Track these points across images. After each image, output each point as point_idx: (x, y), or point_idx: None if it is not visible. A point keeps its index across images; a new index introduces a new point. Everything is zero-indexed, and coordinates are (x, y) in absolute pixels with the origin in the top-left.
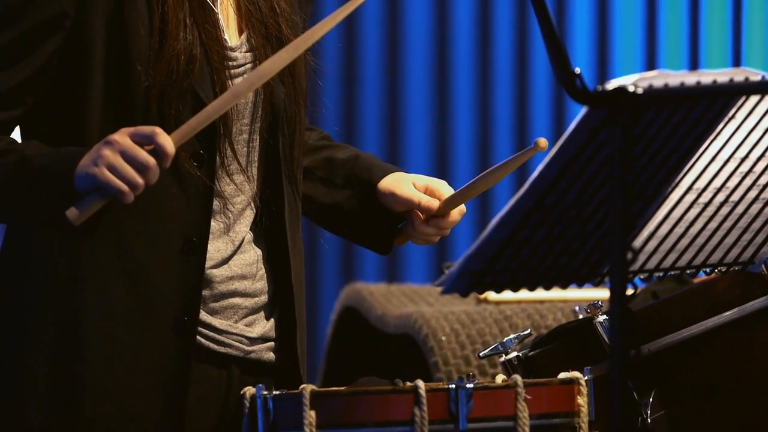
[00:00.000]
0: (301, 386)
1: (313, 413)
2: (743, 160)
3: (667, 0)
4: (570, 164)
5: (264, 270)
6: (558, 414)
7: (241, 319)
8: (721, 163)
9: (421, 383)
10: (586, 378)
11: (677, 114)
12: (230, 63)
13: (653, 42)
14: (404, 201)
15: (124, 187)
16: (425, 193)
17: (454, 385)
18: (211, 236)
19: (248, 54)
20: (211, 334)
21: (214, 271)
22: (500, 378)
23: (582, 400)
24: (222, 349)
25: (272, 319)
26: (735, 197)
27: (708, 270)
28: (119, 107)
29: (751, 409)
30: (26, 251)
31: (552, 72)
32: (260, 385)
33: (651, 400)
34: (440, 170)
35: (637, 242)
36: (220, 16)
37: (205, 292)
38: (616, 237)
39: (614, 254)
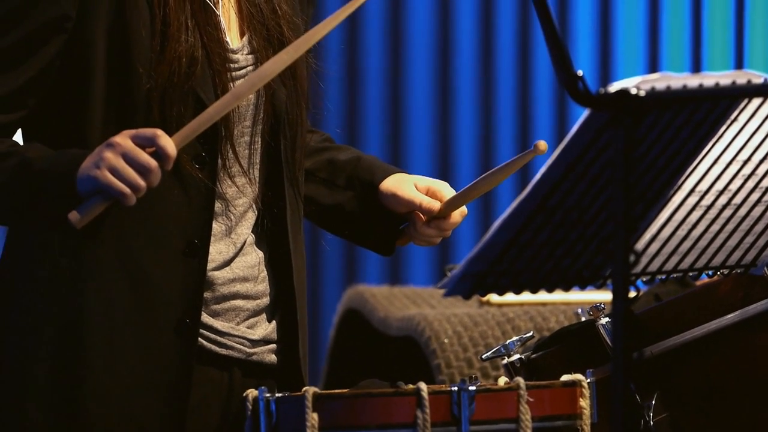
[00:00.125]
0: (304, 389)
1: (315, 416)
2: (746, 162)
3: (669, 2)
4: (572, 167)
5: (266, 272)
6: (560, 416)
7: (242, 321)
8: (724, 166)
9: (423, 386)
10: (588, 380)
11: (680, 116)
12: (232, 65)
13: (656, 44)
14: (406, 202)
15: (126, 190)
16: (427, 195)
17: (456, 388)
18: (212, 238)
19: (250, 56)
20: (213, 336)
21: (216, 273)
22: (503, 380)
23: (584, 403)
24: (224, 351)
25: (274, 322)
26: (737, 200)
27: (710, 273)
28: (121, 109)
29: (753, 411)
30: (28, 252)
31: (554, 74)
32: (263, 387)
33: (653, 402)
34: (442, 172)
35: (640, 245)
36: (221, 18)
37: (207, 294)
38: (618, 239)
39: (616, 257)
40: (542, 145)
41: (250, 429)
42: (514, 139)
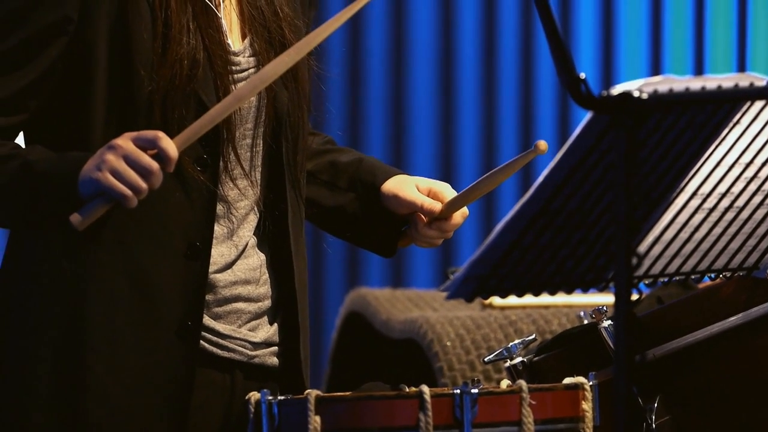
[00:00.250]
0: (306, 391)
1: (318, 418)
2: (748, 165)
3: (672, 5)
4: (575, 169)
5: (267, 275)
6: (563, 419)
7: (244, 324)
8: (726, 168)
9: (425, 388)
10: (590, 383)
11: (682, 119)
12: (233, 67)
13: (658, 47)
14: (407, 203)
15: (128, 192)
16: (428, 196)
17: (459, 391)
18: (214, 241)
19: (251, 58)
20: (215, 338)
21: (218, 275)
22: (505, 383)
23: (587, 406)
24: (225, 354)
25: (275, 324)
26: (740, 202)
27: (713, 275)
28: (122, 112)
29: (755, 414)
30: (30, 254)
31: (557, 77)
32: (265, 390)
33: (656, 405)
34: (445, 175)
35: (642, 247)
36: (223, 21)
37: (209, 297)
38: (620, 242)
39: (619, 259)
40: (542, 145)
41: None
42: (517, 142)
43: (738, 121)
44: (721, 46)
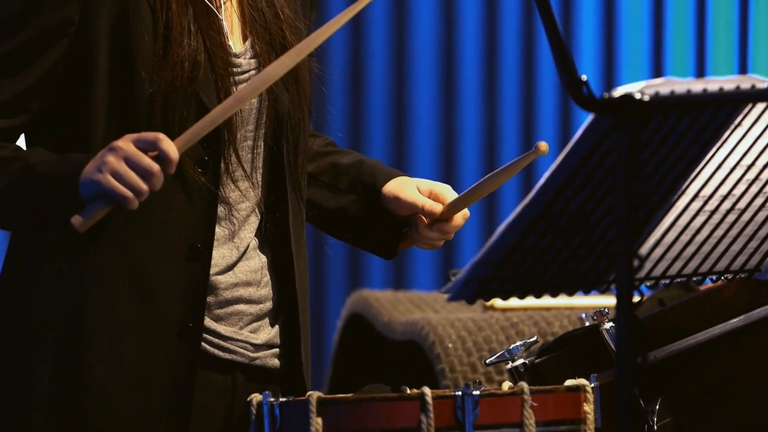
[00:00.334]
0: (308, 393)
1: (319, 420)
2: (750, 167)
3: (673, 7)
4: (576, 171)
5: (269, 276)
6: (564, 421)
7: (245, 326)
8: (728, 171)
9: (427, 390)
10: (592, 385)
11: (684, 121)
12: (234, 69)
13: (660, 49)
14: (408, 205)
15: (129, 194)
16: (429, 197)
17: (460, 392)
18: (215, 243)
19: (252, 60)
20: (216, 340)
21: (219, 277)
22: (507, 385)
23: (588, 408)
24: (227, 356)
25: (277, 326)
26: (741, 205)
27: (714, 277)
28: (123, 114)
29: (757, 416)
30: (31, 256)
31: (558, 79)
32: (267, 392)
33: (657, 407)
34: (446, 177)
35: (644, 250)
36: (224, 23)
37: (210, 299)
38: (622, 244)
39: (620, 261)
40: (543, 146)
41: None
42: (518, 144)
43: (740, 123)
44: (722, 48)
